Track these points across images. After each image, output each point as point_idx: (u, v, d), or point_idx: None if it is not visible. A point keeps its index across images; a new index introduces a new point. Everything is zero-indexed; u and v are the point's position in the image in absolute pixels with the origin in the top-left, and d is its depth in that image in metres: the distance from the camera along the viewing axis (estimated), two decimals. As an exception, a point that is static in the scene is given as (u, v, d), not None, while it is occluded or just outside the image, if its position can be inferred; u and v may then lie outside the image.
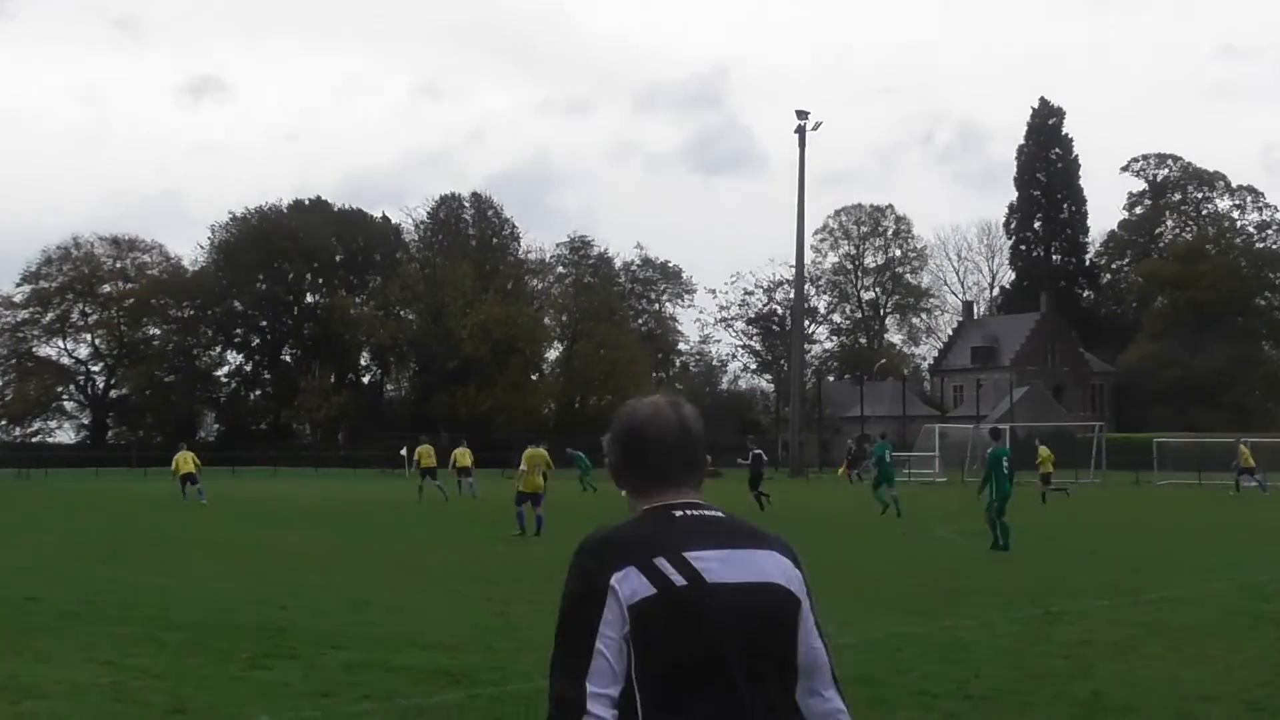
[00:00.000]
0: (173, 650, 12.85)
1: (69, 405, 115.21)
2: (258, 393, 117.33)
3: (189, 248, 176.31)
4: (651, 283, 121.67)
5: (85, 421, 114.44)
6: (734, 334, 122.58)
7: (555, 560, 22.38)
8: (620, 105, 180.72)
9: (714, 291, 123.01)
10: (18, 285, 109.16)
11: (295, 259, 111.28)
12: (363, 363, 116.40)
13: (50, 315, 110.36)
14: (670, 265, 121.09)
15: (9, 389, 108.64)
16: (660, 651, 3.31)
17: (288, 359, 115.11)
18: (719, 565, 3.39)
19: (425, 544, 26.35)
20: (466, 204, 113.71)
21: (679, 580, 3.34)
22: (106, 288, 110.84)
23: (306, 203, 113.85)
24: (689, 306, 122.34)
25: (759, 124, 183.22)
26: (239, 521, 34.09)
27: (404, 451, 62.03)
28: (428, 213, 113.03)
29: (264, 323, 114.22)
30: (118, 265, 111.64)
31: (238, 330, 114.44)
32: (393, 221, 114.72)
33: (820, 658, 3.53)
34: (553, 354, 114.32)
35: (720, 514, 3.57)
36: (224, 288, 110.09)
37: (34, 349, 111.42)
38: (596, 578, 3.36)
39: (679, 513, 3.53)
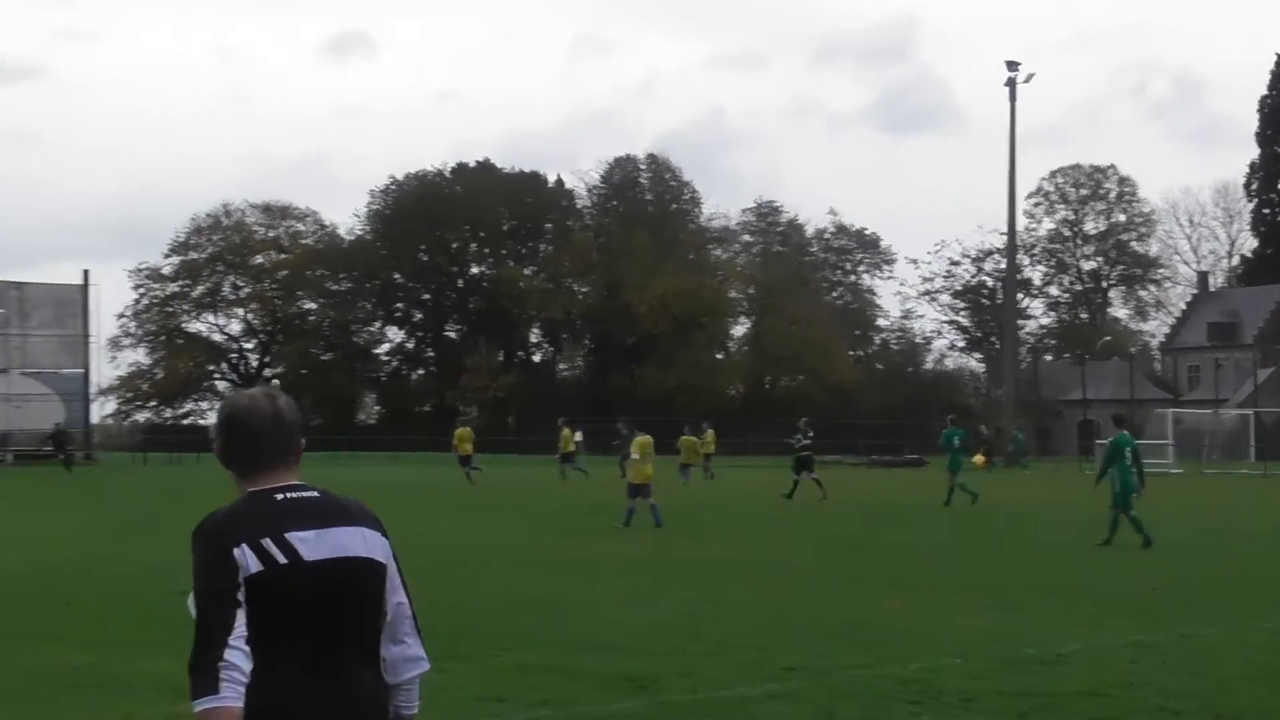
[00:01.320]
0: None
1: (221, 385, 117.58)
2: (420, 372, 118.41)
3: (340, 215, 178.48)
4: (846, 252, 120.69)
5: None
6: (939, 308, 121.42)
7: (747, 557, 22.41)
8: (797, 59, 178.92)
9: (916, 262, 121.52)
10: (166, 256, 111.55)
11: (459, 227, 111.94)
12: (533, 339, 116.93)
13: (200, 288, 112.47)
14: (867, 233, 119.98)
15: (159, 367, 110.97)
16: (266, 615, 4.14)
17: (452, 335, 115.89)
18: (313, 544, 4.25)
19: (603, 536, 26.47)
20: (642, 166, 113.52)
21: (282, 559, 4.18)
22: (259, 258, 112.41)
23: (471, 165, 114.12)
24: (888, 278, 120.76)
25: (954, 77, 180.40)
26: (409, 513, 34.51)
27: (579, 436, 62.41)
28: (600, 176, 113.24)
29: (426, 296, 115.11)
30: (270, 234, 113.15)
31: (398, 304, 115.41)
32: (565, 186, 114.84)
33: (404, 611, 4.53)
34: (739, 330, 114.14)
35: (317, 494, 4.43)
36: (383, 258, 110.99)
37: (184, 324, 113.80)
38: (222, 552, 4.17)
39: (280, 495, 4.36)
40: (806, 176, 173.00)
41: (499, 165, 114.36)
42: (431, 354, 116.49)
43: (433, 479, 52.06)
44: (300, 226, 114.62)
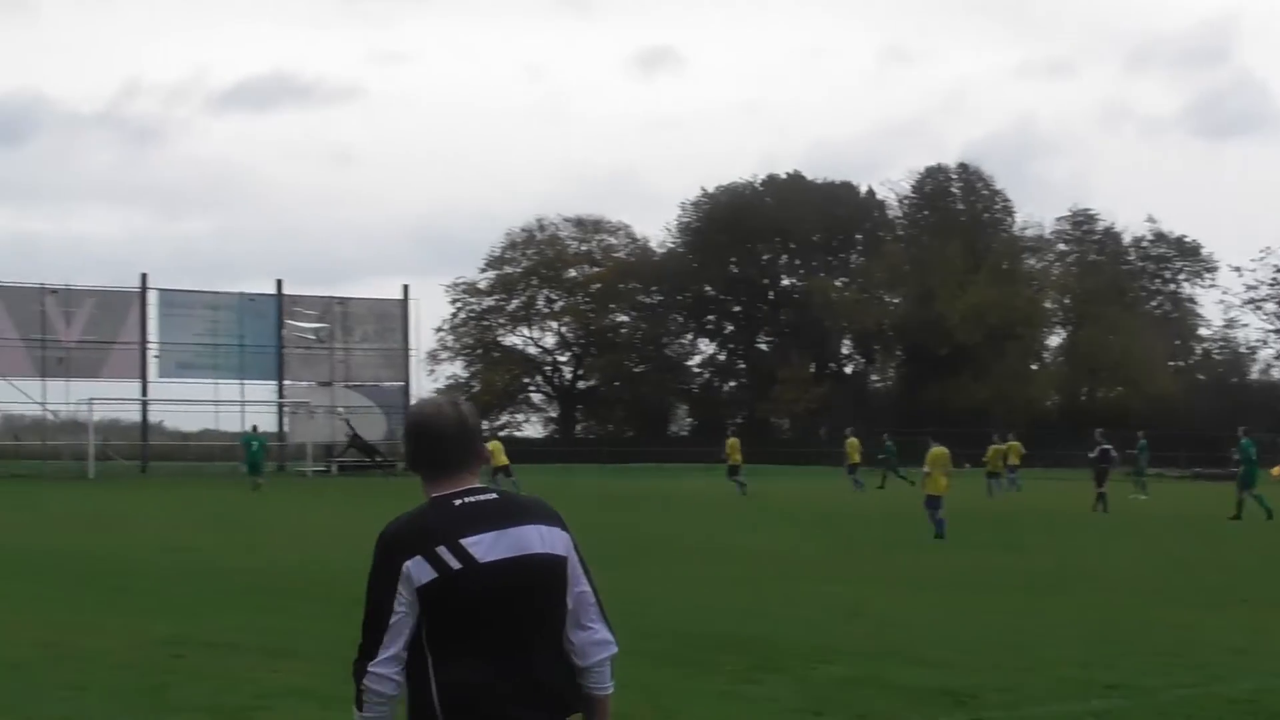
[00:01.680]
0: (652, 660, 13.14)
1: (536, 397, 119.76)
2: (731, 384, 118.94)
3: (650, 228, 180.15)
4: (1166, 260, 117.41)
5: (553, 414, 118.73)
6: (1264, 316, 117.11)
7: (1065, 570, 21.96)
8: (1109, 65, 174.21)
9: (1239, 269, 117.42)
10: (482, 271, 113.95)
11: (770, 238, 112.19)
12: (844, 351, 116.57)
13: (515, 302, 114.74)
14: (1187, 240, 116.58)
15: (476, 379, 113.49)
16: (446, 617, 4.56)
17: (763, 347, 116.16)
18: (490, 545, 4.62)
19: (918, 548, 26.24)
20: (953, 175, 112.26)
21: (455, 565, 4.56)
22: (572, 272, 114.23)
23: (782, 177, 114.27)
24: (1210, 286, 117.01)
25: (1276, 79, 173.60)
26: (721, 524, 34.72)
27: (889, 442, 62.01)
28: (911, 186, 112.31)
29: (737, 308, 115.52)
30: (583, 248, 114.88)
31: (709, 316, 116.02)
32: (876, 196, 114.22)
33: (587, 599, 4.89)
34: (1054, 340, 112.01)
35: (495, 495, 4.79)
36: (694, 270, 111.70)
37: (499, 338, 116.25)
38: (393, 565, 4.61)
39: (458, 501, 4.71)
40: (1120, 184, 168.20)
41: (810, 176, 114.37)
42: (743, 366, 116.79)
43: (750, 490, 52.20)
44: (612, 240, 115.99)
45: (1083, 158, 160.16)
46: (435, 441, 4.81)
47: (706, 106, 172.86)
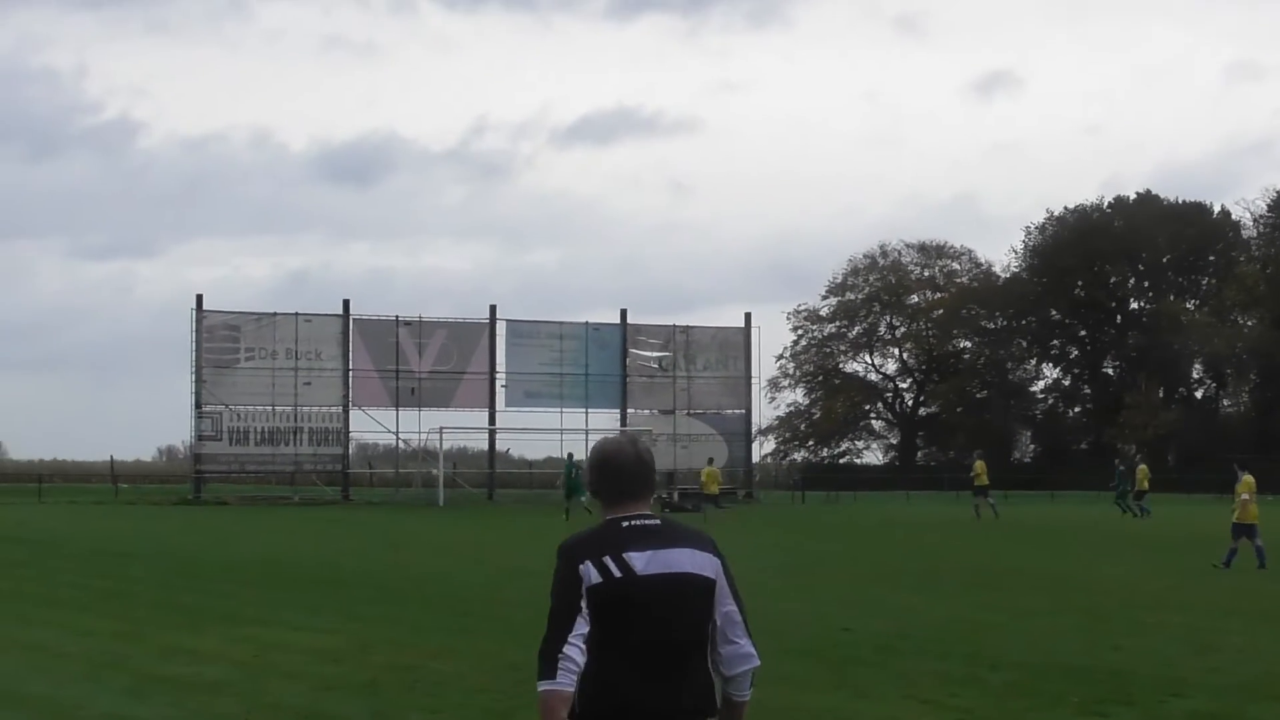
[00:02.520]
0: (997, 691, 13.03)
1: (876, 424, 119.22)
2: (1076, 409, 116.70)
3: (993, 252, 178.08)
4: None
5: (893, 441, 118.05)
6: None
7: None
8: None
9: None
10: (824, 298, 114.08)
11: (1118, 261, 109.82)
12: (1194, 375, 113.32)
13: (857, 329, 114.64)
14: None
15: (816, 406, 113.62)
16: (606, 617, 5.26)
17: (1109, 372, 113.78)
18: (647, 561, 5.33)
19: (1275, 579, 25.33)
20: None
21: (617, 573, 5.30)
22: (914, 298, 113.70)
23: (1131, 198, 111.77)
24: None
25: None
26: (1065, 552, 34.08)
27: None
28: (1268, 204, 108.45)
29: (1083, 332, 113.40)
30: (925, 274, 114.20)
31: (1054, 341, 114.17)
32: (1231, 216, 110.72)
33: (734, 617, 5.49)
34: None
35: (657, 523, 5.50)
36: (1039, 295, 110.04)
37: (841, 365, 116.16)
38: (572, 568, 5.34)
39: (626, 523, 5.45)
40: None
41: (1162, 196, 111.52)
42: (1088, 391, 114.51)
43: (1091, 519, 51.18)
44: (955, 265, 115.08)
45: None
46: (615, 474, 5.57)
47: (1046, 129, 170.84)
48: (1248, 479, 28.68)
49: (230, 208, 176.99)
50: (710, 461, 58.40)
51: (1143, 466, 55.71)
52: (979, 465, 53.38)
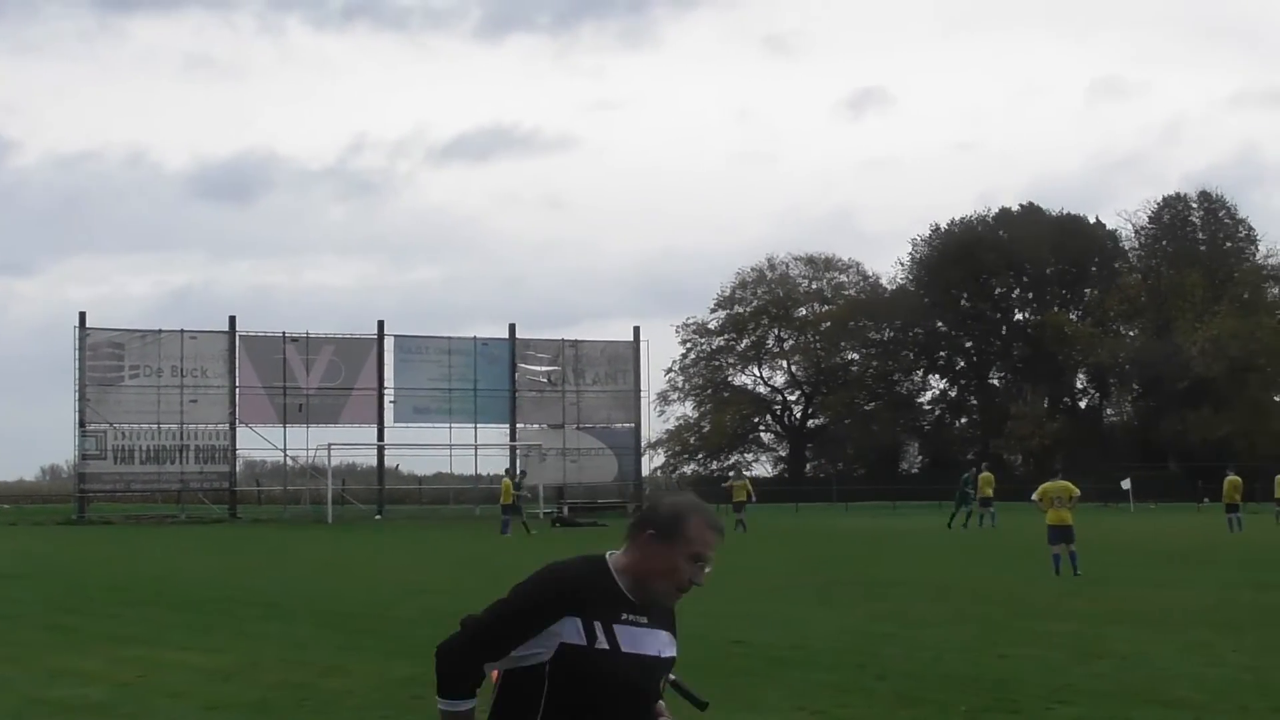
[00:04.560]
0: (886, 701, 13.14)
1: (765, 437, 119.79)
2: (963, 420, 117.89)
3: (873, 266, 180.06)
4: None
5: (782, 453, 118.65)
6: None
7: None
8: None
9: None
10: (712, 311, 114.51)
11: (1002, 272, 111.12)
12: (1078, 385, 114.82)
13: (745, 342, 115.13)
14: None
15: (706, 420, 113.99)
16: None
17: (995, 382, 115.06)
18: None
19: (1159, 585, 25.73)
20: (1193, 204, 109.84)
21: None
22: (802, 310, 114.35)
23: (1015, 210, 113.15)
24: None
25: None
26: (952, 561, 34.43)
27: (1126, 484, 61.03)
28: (1149, 216, 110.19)
29: (969, 343, 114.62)
30: (813, 286, 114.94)
31: (941, 352, 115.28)
32: (1109, 228, 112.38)
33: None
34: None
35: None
36: (925, 306, 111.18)
37: (730, 378, 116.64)
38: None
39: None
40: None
41: (1046, 209, 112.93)
42: (975, 402, 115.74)
43: (976, 528, 51.72)
44: (843, 278, 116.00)
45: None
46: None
47: (920, 145, 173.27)
48: (1059, 484, 29.03)
49: (109, 226, 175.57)
50: (738, 475, 59.54)
51: (986, 474, 56.43)
52: (986, 477, 54.55)
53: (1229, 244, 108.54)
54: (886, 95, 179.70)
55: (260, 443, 71.11)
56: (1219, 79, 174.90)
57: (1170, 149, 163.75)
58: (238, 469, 72.65)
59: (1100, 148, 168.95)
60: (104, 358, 67.87)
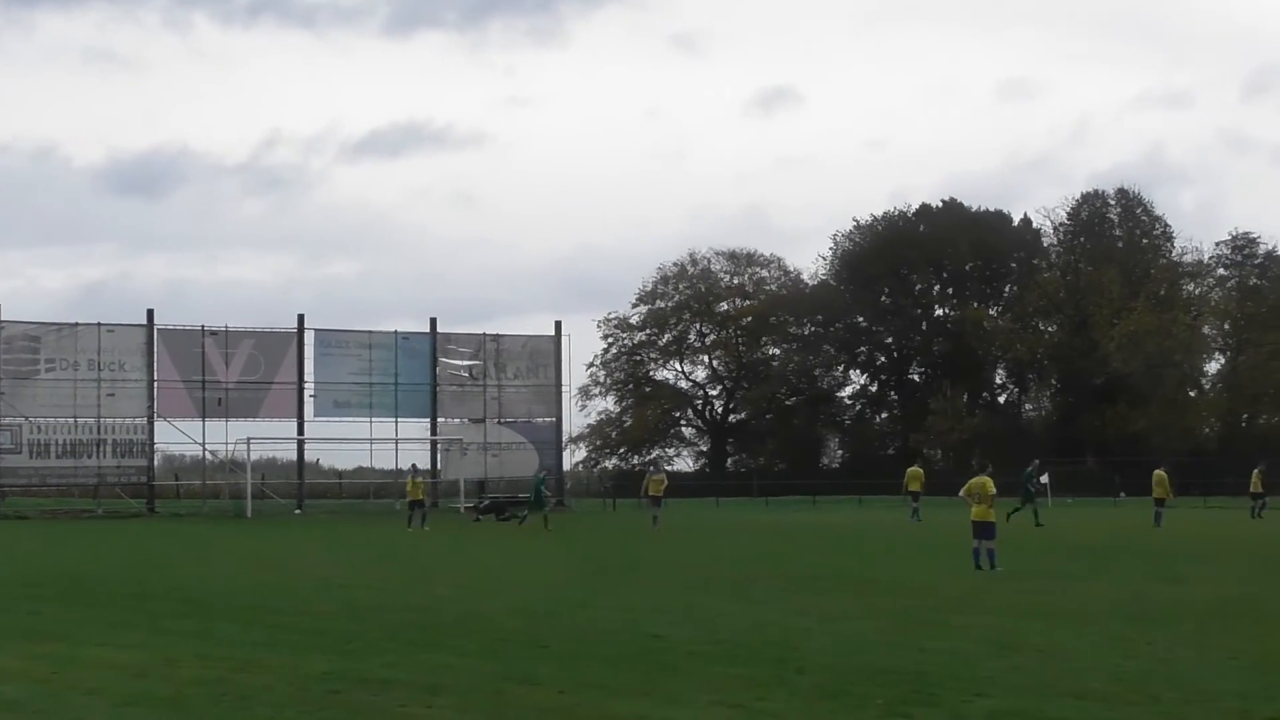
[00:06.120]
0: (804, 694, 13.16)
1: (687, 431, 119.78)
2: (883, 415, 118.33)
3: (795, 261, 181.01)
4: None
5: (704, 448, 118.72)
6: None
7: (1226, 601, 21.61)
8: (1225, 93, 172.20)
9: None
10: (634, 306, 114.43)
11: (923, 268, 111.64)
12: (998, 380, 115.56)
13: (667, 337, 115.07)
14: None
15: (628, 414, 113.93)
16: None
17: (915, 378, 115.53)
18: None
19: (1076, 579, 25.95)
20: (1111, 202, 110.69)
21: None
22: (724, 305, 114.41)
23: (936, 207, 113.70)
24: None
25: None
26: (872, 556, 34.61)
27: (1044, 479, 61.50)
28: (1067, 213, 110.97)
29: (889, 339, 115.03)
30: (735, 281, 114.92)
31: (862, 347, 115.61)
32: (1032, 225, 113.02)
33: None
34: (1213, 367, 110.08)
35: None
36: (846, 302, 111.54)
37: (651, 372, 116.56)
38: None
39: None
40: (1251, 210, 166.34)
41: (967, 205, 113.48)
42: (895, 397, 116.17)
43: (897, 522, 51.97)
44: (764, 273, 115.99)
45: (1211, 186, 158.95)
46: None
47: (831, 143, 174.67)
48: (978, 480, 29.21)
49: (19, 219, 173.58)
50: (656, 469, 60.06)
51: (916, 469, 56.85)
52: (914, 472, 56.28)
53: (1146, 241, 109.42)
54: (796, 94, 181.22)
55: (179, 437, 70.52)
56: (1124, 79, 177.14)
57: (1078, 149, 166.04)
58: (156, 463, 71.96)
59: (1009, 147, 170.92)
60: (19, 351, 67.07)
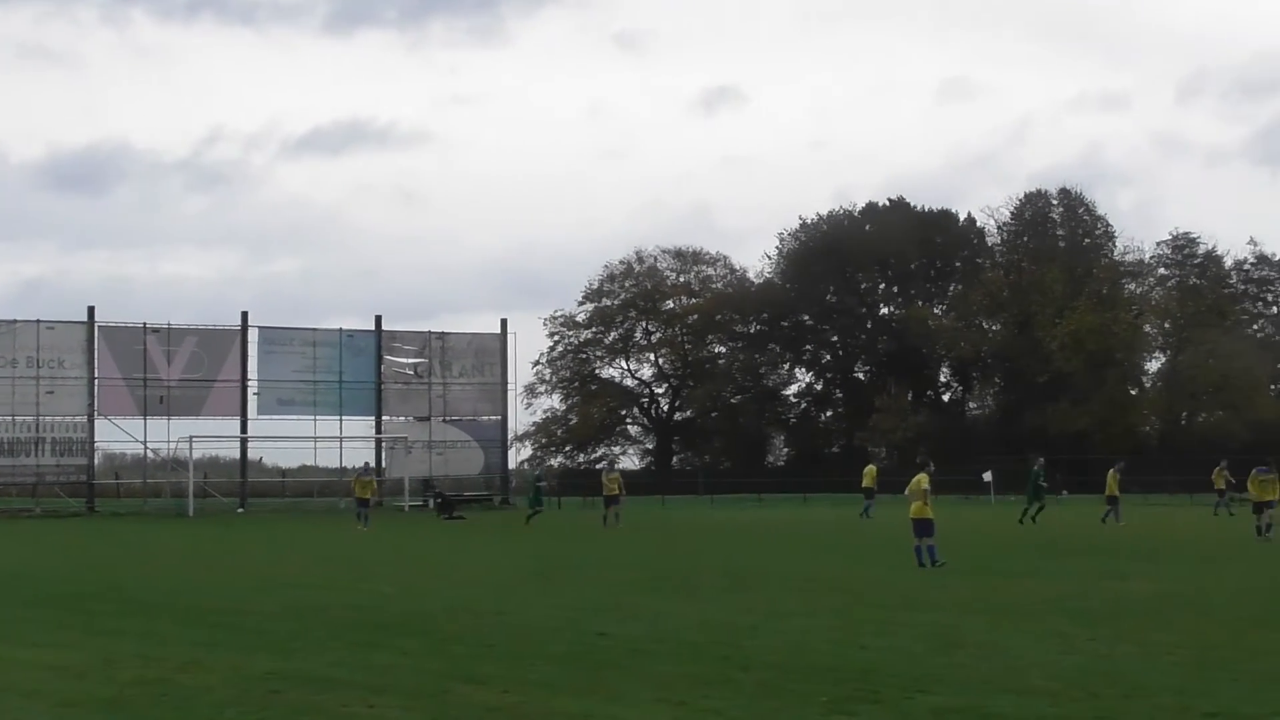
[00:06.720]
0: (749, 692, 13.18)
1: (633, 429, 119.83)
2: (828, 413, 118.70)
3: (740, 259, 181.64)
4: (1268, 283, 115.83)
5: (650, 446, 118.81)
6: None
7: (1166, 597, 21.78)
8: (1161, 96, 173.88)
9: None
10: (580, 304, 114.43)
11: (868, 266, 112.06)
12: (942, 379, 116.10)
13: (613, 334, 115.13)
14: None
15: (573, 412, 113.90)
16: None
17: (860, 376, 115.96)
18: None
19: (1018, 576, 26.09)
20: (1054, 201, 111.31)
21: None
22: (670, 303, 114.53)
23: (881, 205, 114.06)
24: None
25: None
26: (818, 553, 34.70)
27: (988, 476, 61.84)
28: (1011, 212, 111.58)
29: (835, 337, 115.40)
30: (681, 279, 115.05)
31: (807, 346, 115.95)
32: (977, 224, 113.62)
33: None
34: (1154, 365, 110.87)
35: None
36: (792, 300, 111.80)
37: (597, 370, 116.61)
38: None
39: None
40: (1186, 212, 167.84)
41: (913, 203, 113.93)
42: (840, 395, 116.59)
43: (842, 520, 52.13)
44: (710, 271, 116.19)
45: (1147, 186, 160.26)
46: None
47: (774, 142, 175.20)
48: (915, 478, 29.40)
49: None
50: (610, 468, 60.53)
51: (871, 467, 57.24)
52: (869, 469, 57.12)
53: (1088, 240, 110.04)
54: (740, 93, 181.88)
55: (120, 435, 70.24)
56: (1062, 81, 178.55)
57: (1019, 149, 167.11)
58: (96, 462, 71.58)
59: (950, 146, 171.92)
60: (-44, 348, 66.68)
